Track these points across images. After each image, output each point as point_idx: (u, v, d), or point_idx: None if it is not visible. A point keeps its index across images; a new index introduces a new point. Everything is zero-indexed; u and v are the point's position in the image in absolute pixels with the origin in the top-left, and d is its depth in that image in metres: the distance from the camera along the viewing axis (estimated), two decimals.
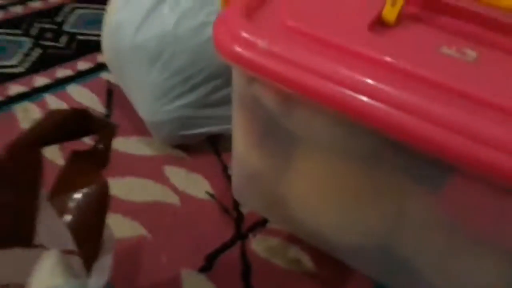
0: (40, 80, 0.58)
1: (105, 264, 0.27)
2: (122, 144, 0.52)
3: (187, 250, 0.43)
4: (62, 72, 0.60)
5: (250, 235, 0.45)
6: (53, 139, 0.26)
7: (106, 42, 0.49)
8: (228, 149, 0.52)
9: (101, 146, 0.30)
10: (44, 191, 0.26)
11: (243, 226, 0.46)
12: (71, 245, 0.26)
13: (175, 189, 0.48)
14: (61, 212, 0.26)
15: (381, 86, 0.27)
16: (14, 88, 0.57)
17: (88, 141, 0.38)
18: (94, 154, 0.29)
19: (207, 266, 0.42)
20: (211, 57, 0.44)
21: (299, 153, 0.39)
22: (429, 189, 0.33)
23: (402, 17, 0.31)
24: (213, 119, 0.48)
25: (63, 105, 0.55)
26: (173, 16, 0.43)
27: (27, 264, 0.24)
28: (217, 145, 0.53)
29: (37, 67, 0.60)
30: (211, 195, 0.48)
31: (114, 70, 0.51)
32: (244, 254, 0.43)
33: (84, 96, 0.57)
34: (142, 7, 0.45)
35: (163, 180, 0.49)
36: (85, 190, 0.27)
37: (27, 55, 0.61)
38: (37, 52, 0.62)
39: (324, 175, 0.39)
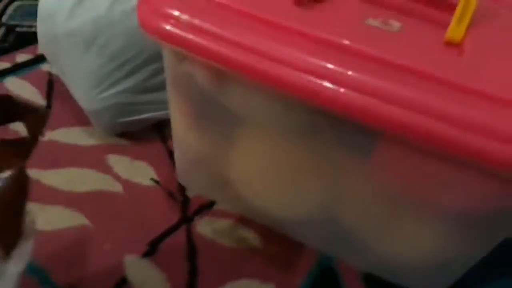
0: None
1: (25, 250, 0.26)
2: (64, 135, 0.51)
3: (130, 237, 0.43)
4: None
5: (196, 218, 0.45)
6: None
7: (40, 30, 0.48)
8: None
9: (28, 133, 0.29)
10: None
11: (189, 210, 0.46)
12: None
13: (118, 178, 0.47)
14: None
15: (309, 59, 0.28)
16: None
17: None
18: (17, 142, 0.29)
19: (150, 251, 0.42)
20: (147, 40, 0.44)
21: (238, 132, 0.39)
22: (361, 158, 0.34)
23: None
24: (154, 104, 0.48)
25: None
26: (106, 0, 0.43)
27: None
28: (163, 131, 0.52)
29: None
30: (156, 181, 0.48)
31: (51, 59, 0.50)
32: (189, 236, 0.43)
33: (23, 89, 0.55)
34: None
35: (106, 169, 0.48)
36: (1, 177, 0.27)
37: None
38: None
39: (264, 152, 0.39)
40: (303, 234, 0.44)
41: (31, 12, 0.66)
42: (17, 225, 0.27)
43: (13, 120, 0.29)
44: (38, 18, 0.47)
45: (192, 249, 0.42)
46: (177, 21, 0.30)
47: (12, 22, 0.64)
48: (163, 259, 0.41)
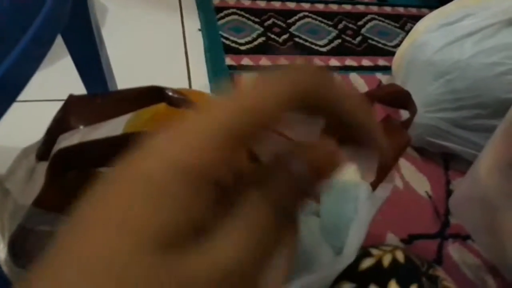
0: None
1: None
2: None
3: (396, 225, 0.54)
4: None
5: (450, 240, 0.53)
6: None
7: (404, 51, 0.63)
8: (456, 168, 0.61)
9: None
10: None
11: (446, 231, 0.54)
12: None
13: (402, 177, 0.59)
14: None
15: None
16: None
17: None
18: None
19: (408, 241, 0.52)
20: (490, 90, 0.53)
21: None
22: None
23: None
24: (462, 140, 0.57)
25: None
26: (473, 50, 0.54)
27: None
28: (448, 162, 0.62)
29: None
30: (429, 196, 0.57)
31: (397, 74, 0.65)
32: (440, 250, 0.52)
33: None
34: (449, 35, 0.56)
35: (396, 167, 0.61)
36: None
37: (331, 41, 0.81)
38: (336, 42, 0.81)
39: None
40: None
41: (383, 31, 0.85)
42: None
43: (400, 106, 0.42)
44: (407, 42, 0.62)
45: (435, 261, 0.51)
46: None
47: (368, 35, 0.84)
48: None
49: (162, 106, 0.32)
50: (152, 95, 0.29)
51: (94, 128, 0.31)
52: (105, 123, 0.31)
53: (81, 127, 0.27)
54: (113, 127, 0.33)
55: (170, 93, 0.29)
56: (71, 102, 0.27)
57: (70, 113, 0.27)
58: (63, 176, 0.28)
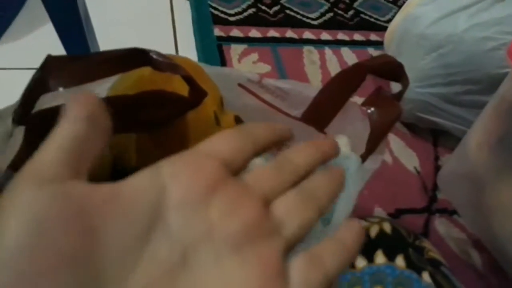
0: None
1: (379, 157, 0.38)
2: None
3: (383, 198, 0.54)
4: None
5: (437, 215, 0.53)
6: None
7: (397, 24, 0.61)
8: (445, 145, 0.61)
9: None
10: None
11: (433, 206, 0.54)
12: None
13: (391, 153, 0.59)
14: None
15: None
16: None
17: None
18: None
19: (394, 215, 0.52)
20: (482, 65, 0.52)
21: None
22: None
23: None
24: (452, 116, 0.56)
25: None
26: (466, 24, 0.53)
27: None
28: (437, 138, 0.61)
29: None
30: (417, 171, 0.57)
31: (389, 48, 0.64)
32: (426, 224, 0.52)
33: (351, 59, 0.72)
34: (442, 8, 0.55)
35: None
36: None
37: (323, 14, 0.79)
38: (328, 16, 0.79)
39: None
40: None
41: (376, 6, 0.83)
42: None
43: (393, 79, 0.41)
44: (400, 15, 0.61)
45: (422, 235, 0.51)
46: None
47: (360, 9, 0.82)
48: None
49: (147, 70, 0.31)
50: (136, 57, 0.27)
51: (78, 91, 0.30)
52: (89, 86, 0.30)
53: (61, 89, 0.26)
54: (98, 91, 0.32)
55: (155, 56, 0.28)
56: (50, 63, 0.26)
57: (49, 74, 0.26)
58: (41, 139, 0.26)
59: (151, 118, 0.29)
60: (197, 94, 0.28)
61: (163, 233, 0.14)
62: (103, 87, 0.33)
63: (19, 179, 0.13)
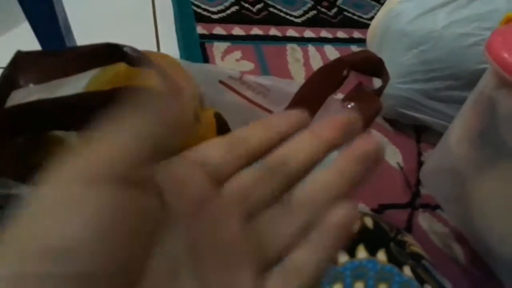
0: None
1: None
2: None
3: (367, 193, 0.54)
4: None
5: (420, 210, 0.53)
6: None
7: (379, 21, 0.62)
8: (427, 140, 0.61)
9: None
10: None
11: (416, 201, 0.54)
12: None
13: None
14: None
15: None
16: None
17: None
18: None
19: (377, 211, 0.52)
20: (461, 61, 0.53)
21: (504, 165, 0.45)
22: None
23: None
24: (433, 111, 0.57)
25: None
26: (446, 20, 0.53)
27: None
28: (419, 134, 0.62)
29: None
30: (400, 167, 0.58)
31: (371, 44, 0.64)
32: (410, 219, 0.52)
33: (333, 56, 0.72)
34: (423, 5, 0.55)
35: None
36: None
37: (306, 12, 0.79)
38: (311, 13, 0.79)
39: None
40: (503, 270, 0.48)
41: (359, 3, 0.84)
42: None
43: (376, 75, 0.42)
44: (382, 12, 0.61)
45: (405, 230, 0.51)
46: None
47: (343, 6, 0.82)
48: None
49: (123, 66, 0.30)
50: (109, 53, 0.27)
51: (52, 89, 0.29)
52: (64, 82, 0.29)
53: (31, 85, 0.25)
54: (74, 87, 0.31)
55: (129, 52, 0.27)
56: (20, 58, 0.25)
57: (19, 69, 0.25)
58: (12, 138, 0.26)
59: None
60: (172, 90, 0.28)
61: (160, 242, 0.14)
62: (80, 84, 0.33)
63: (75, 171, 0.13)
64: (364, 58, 0.41)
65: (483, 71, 0.45)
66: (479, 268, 0.49)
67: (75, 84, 0.32)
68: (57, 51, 0.26)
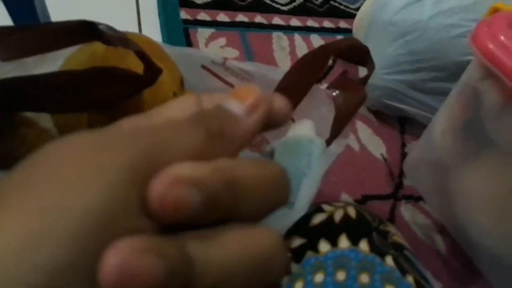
0: None
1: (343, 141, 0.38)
2: None
3: (350, 184, 0.54)
4: None
5: (403, 201, 0.53)
6: None
7: (365, 11, 0.61)
8: (411, 132, 0.61)
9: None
10: None
11: (399, 192, 0.54)
12: None
13: (359, 140, 0.59)
14: None
15: None
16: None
17: None
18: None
19: (361, 201, 0.52)
20: (447, 52, 0.53)
21: (487, 156, 0.46)
22: None
23: None
24: (418, 103, 0.57)
25: None
26: (433, 10, 0.53)
27: None
28: (403, 125, 0.62)
29: None
30: (384, 158, 0.58)
31: (357, 34, 0.63)
32: (393, 209, 0.52)
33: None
34: None
35: (353, 129, 0.60)
36: None
37: (292, 0, 0.78)
38: (298, 1, 0.78)
39: (502, 182, 0.45)
40: (484, 262, 0.48)
41: None
42: None
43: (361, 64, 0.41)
44: (369, 1, 0.61)
45: (388, 221, 0.51)
46: (506, 49, 0.38)
47: None
48: None
49: (100, 46, 0.29)
50: (84, 30, 0.25)
51: (24, 68, 0.27)
52: (38, 60, 0.28)
53: (0, 62, 0.24)
54: (49, 67, 0.30)
55: (105, 30, 0.26)
56: None
57: None
58: None
59: (102, 96, 0.27)
60: (152, 71, 0.27)
61: None
62: (55, 64, 0.31)
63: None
64: (350, 46, 0.40)
65: (468, 62, 0.45)
66: (460, 259, 0.49)
67: (50, 64, 0.30)
68: (28, 27, 0.25)
